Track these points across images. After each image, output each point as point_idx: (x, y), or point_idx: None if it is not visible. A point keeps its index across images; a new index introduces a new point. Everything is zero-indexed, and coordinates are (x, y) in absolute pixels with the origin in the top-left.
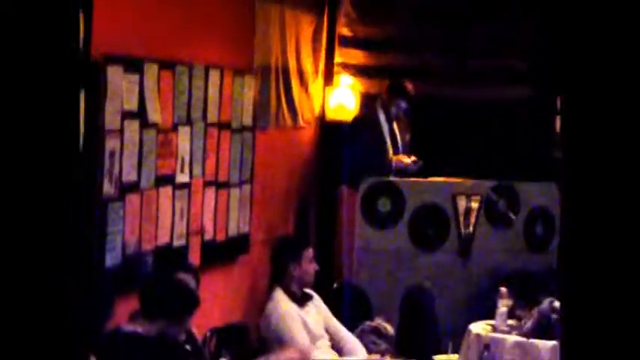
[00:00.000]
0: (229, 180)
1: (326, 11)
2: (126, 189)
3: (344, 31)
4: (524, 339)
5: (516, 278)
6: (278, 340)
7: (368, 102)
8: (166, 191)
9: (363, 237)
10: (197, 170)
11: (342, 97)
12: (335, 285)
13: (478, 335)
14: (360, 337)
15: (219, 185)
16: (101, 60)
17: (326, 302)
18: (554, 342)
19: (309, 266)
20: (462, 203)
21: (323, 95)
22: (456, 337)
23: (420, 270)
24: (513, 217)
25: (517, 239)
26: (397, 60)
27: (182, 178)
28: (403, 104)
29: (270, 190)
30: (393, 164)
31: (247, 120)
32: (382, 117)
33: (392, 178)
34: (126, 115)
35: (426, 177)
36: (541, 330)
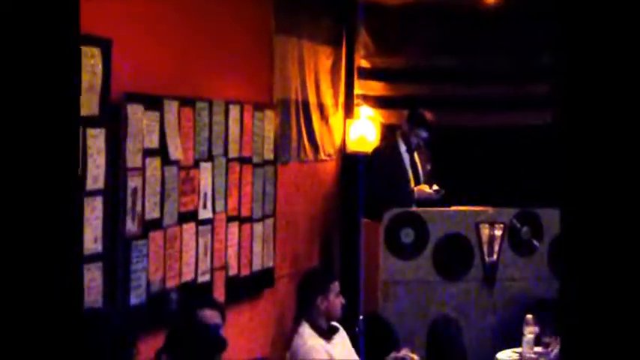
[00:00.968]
0: (252, 214)
1: (344, 43)
2: (149, 226)
3: (362, 62)
4: None
5: (542, 305)
6: None
7: (388, 133)
8: (189, 228)
9: (387, 268)
10: (220, 206)
11: (363, 129)
12: (360, 317)
13: None
14: None
15: (242, 220)
16: (122, 98)
17: (351, 335)
18: None
19: (336, 299)
20: (485, 232)
21: (344, 127)
22: None
23: (445, 299)
24: (537, 244)
25: (541, 266)
26: (416, 90)
27: (205, 214)
28: (423, 134)
29: (294, 223)
30: (416, 194)
31: (269, 154)
32: (403, 147)
33: (415, 209)
34: (147, 153)
35: (448, 206)
36: None
